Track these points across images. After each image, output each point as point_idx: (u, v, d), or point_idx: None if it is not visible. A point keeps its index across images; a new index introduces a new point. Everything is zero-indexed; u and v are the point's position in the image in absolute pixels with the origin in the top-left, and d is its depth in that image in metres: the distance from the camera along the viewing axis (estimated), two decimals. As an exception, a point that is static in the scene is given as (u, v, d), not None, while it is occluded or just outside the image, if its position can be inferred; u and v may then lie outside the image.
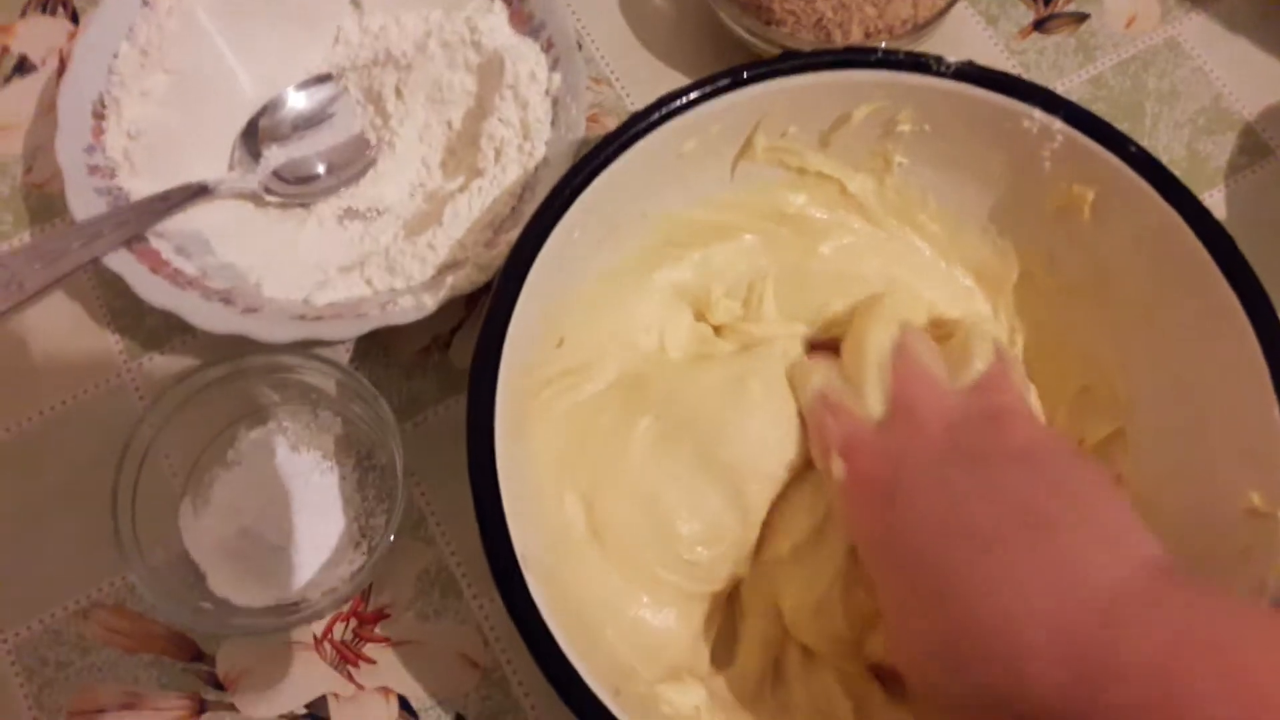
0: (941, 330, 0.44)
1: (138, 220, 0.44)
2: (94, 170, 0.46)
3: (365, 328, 0.43)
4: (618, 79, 0.55)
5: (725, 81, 0.42)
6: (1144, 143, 0.41)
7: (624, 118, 0.52)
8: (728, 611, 0.43)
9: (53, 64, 0.54)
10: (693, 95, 0.42)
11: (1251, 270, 0.39)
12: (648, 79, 0.55)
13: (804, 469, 0.42)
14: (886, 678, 0.42)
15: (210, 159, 0.49)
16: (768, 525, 0.42)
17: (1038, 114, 0.42)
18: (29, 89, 0.54)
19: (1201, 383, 0.40)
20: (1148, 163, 0.41)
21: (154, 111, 0.48)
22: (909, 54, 0.42)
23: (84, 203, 0.45)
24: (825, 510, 0.41)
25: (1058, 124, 0.42)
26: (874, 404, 0.40)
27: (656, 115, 0.41)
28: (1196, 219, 0.40)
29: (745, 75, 0.42)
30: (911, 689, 0.37)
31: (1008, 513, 0.33)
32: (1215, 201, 0.53)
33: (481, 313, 0.48)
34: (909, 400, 0.39)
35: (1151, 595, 0.31)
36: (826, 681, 0.41)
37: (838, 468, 0.39)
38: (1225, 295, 0.39)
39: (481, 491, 0.36)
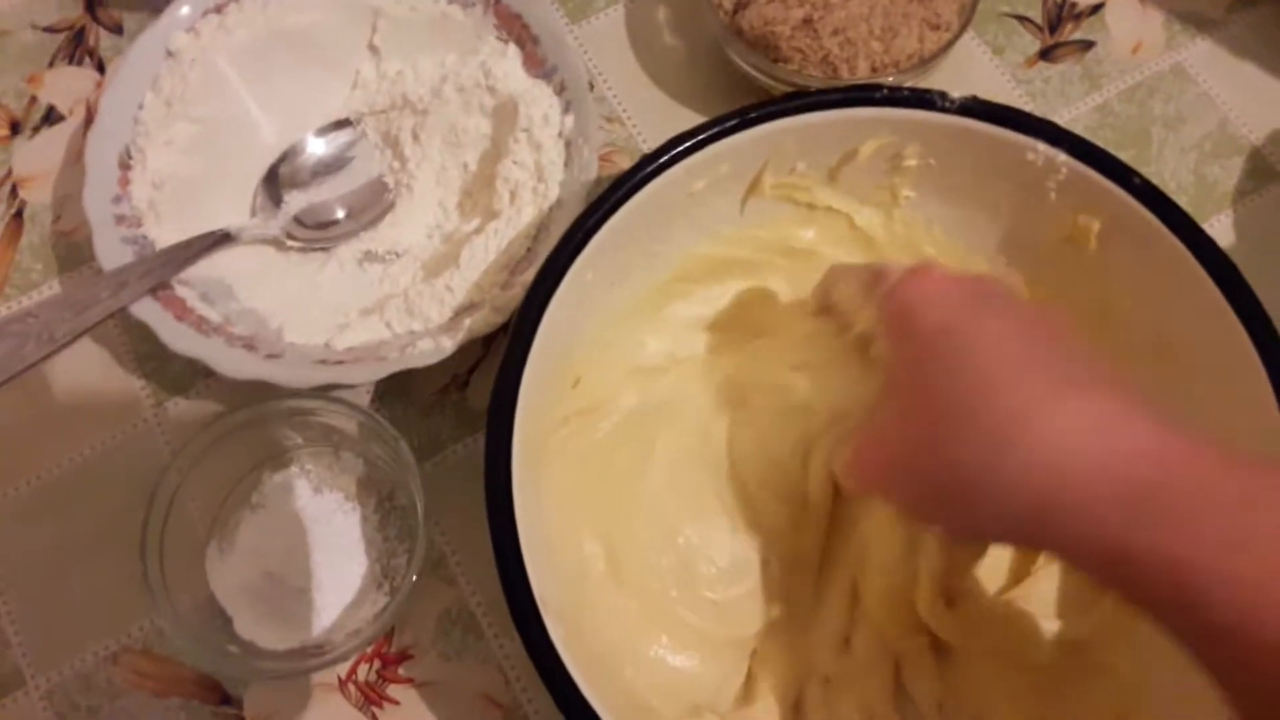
0: None
1: (163, 269, 0.46)
2: (120, 220, 0.47)
3: (385, 371, 0.44)
4: (629, 117, 0.56)
5: (733, 122, 0.43)
6: (1151, 169, 0.41)
7: (636, 155, 0.54)
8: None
9: (80, 114, 0.56)
10: (701, 137, 0.42)
11: (1258, 301, 0.39)
12: (659, 116, 0.56)
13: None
14: (906, 702, 0.42)
15: (232, 205, 0.51)
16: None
17: (1041, 147, 0.42)
18: (57, 138, 0.55)
19: (1208, 413, 0.40)
20: (1152, 194, 0.41)
21: (178, 160, 0.49)
22: (913, 91, 0.43)
23: (111, 252, 0.46)
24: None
25: (1062, 156, 0.42)
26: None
27: (666, 157, 0.42)
28: (1202, 250, 0.40)
29: (753, 115, 0.43)
30: (900, 503, 0.38)
31: (1070, 350, 0.34)
32: (1223, 226, 0.53)
33: (498, 353, 0.49)
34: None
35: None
36: (846, 712, 0.41)
37: (899, 267, 0.38)
38: (1232, 326, 0.39)
39: (500, 536, 0.37)
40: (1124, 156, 0.42)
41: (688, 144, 0.42)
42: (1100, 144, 0.42)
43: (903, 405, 0.36)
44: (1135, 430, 0.30)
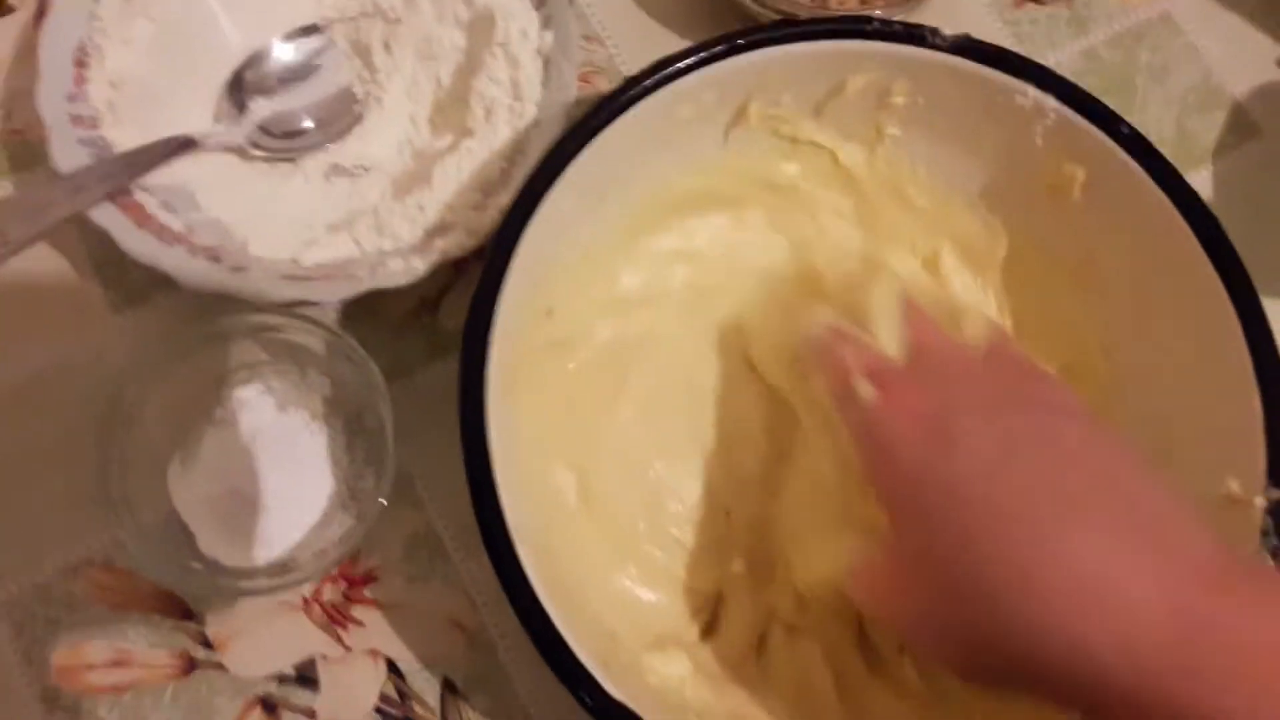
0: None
1: (123, 173, 0.44)
2: (77, 120, 0.45)
3: (355, 290, 0.43)
4: (609, 37, 0.54)
5: (721, 48, 0.42)
6: (1134, 118, 0.41)
7: (616, 77, 0.53)
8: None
9: (30, 5, 0.53)
10: (689, 61, 0.41)
11: (1237, 256, 0.39)
12: (640, 37, 0.54)
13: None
14: (869, 648, 0.43)
15: (195, 110, 0.48)
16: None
17: (1032, 91, 0.42)
18: (6, 31, 0.52)
19: (1184, 367, 0.41)
20: (1139, 144, 0.41)
21: (137, 60, 0.47)
22: (905, 25, 0.42)
23: (67, 154, 0.44)
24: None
25: (1051, 102, 0.42)
26: (891, 346, 0.37)
27: (651, 80, 0.41)
28: (1185, 202, 0.40)
29: (741, 42, 0.42)
30: (911, 642, 0.36)
31: (1080, 469, 0.31)
32: (1203, 180, 0.53)
33: (469, 276, 0.48)
34: (931, 346, 0.37)
35: (1245, 568, 0.29)
36: (809, 652, 0.42)
37: (865, 390, 0.35)
38: (1211, 281, 0.39)
39: (474, 464, 0.37)
40: (1108, 104, 0.42)
41: (675, 68, 0.41)
42: (1085, 89, 0.42)
43: (900, 549, 0.34)
44: (1144, 583, 0.28)
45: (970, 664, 0.32)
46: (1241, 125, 0.54)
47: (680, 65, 0.41)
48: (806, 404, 0.42)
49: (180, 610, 0.45)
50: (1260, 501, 0.37)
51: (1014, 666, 0.30)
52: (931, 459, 0.32)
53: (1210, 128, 0.54)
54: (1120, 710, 0.28)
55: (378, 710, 0.44)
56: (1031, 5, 0.56)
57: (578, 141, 0.40)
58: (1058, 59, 0.55)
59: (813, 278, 0.45)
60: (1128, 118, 0.41)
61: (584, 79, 0.52)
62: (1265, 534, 0.36)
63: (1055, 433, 0.32)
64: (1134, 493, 0.31)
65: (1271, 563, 0.36)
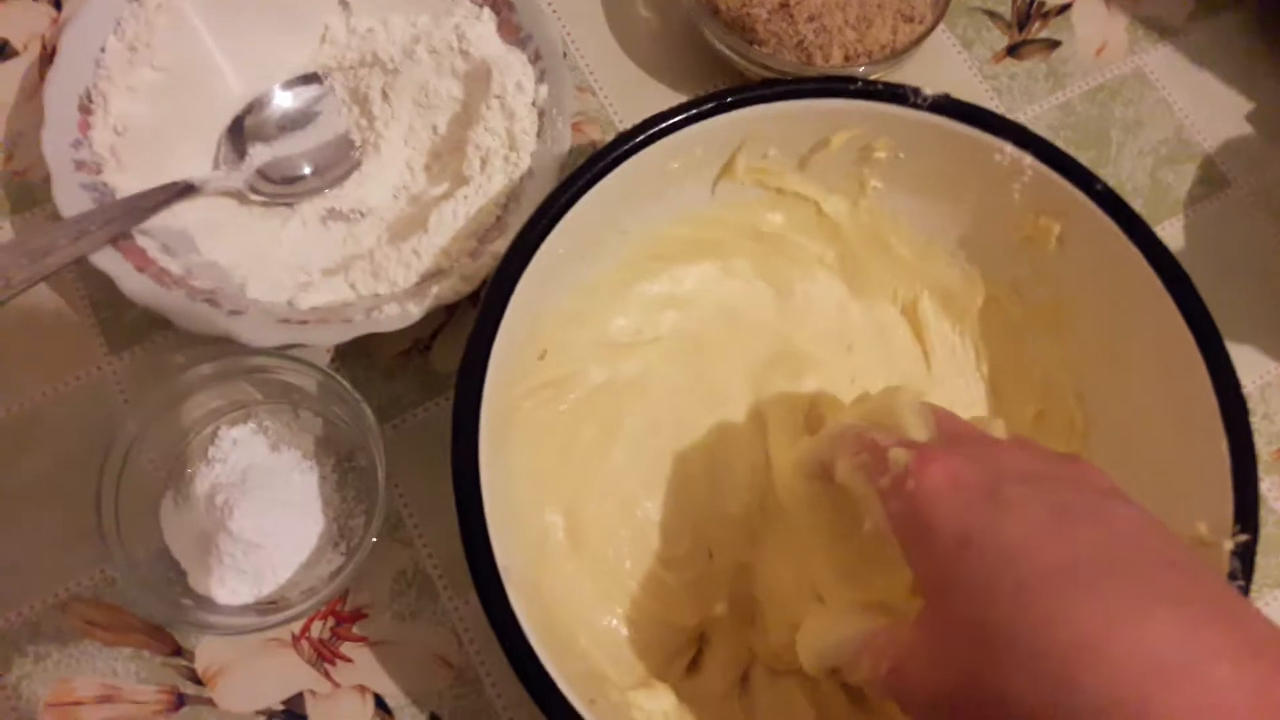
0: None
1: (124, 218, 0.45)
2: (80, 166, 0.46)
3: (350, 334, 0.44)
4: (601, 88, 0.56)
5: (711, 105, 0.43)
6: (1109, 170, 0.43)
7: (607, 126, 0.54)
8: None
9: (34, 50, 0.54)
10: (680, 118, 0.43)
11: (1205, 308, 0.41)
12: (631, 89, 0.56)
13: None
14: (850, 686, 0.43)
15: (195, 156, 0.50)
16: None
17: (1009, 148, 0.43)
18: (10, 74, 0.54)
19: (1154, 412, 0.42)
20: (1112, 199, 0.42)
21: (141, 107, 0.48)
22: (888, 85, 0.44)
23: (70, 198, 0.45)
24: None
25: (1028, 159, 0.43)
26: (921, 436, 0.36)
27: (643, 136, 0.42)
28: (1156, 255, 0.41)
29: (730, 100, 0.43)
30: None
31: (1139, 546, 0.30)
32: (1174, 230, 0.55)
33: (462, 318, 0.49)
34: (961, 430, 0.36)
35: None
36: (791, 689, 0.43)
37: (901, 455, 0.33)
38: (1180, 330, 0.40)
39: (465, 505, 0.37)
40: (1084, 156, 0.43)
41: (666, 124, 0.42)
42: (1061, 143, 0.44)
43: (938, 619, 0.31)
44: (1223, 664, 0.26)
45: None
46: (1212, 177, 0.56)
47: (671, 121, 0.42)
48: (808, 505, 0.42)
49: (170, 646, 0.45)
50: (1228, 544, 0.38)
51: None
52: (982, 524, 0.30)
53: (1182, 179, 0.56)
54: None
55: None
56: (1010, 61, 0.58)
57: (572, 193, 0.41)
58: (1035, 112, 0.57)
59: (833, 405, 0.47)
60: (1103, 169, 0.43)
61: (576, 127, 0.54)
62: (1233, 576, 0.38)
63: (1103, 508, 0.31)
64: (1194, 572, 0.29)
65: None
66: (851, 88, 0.44)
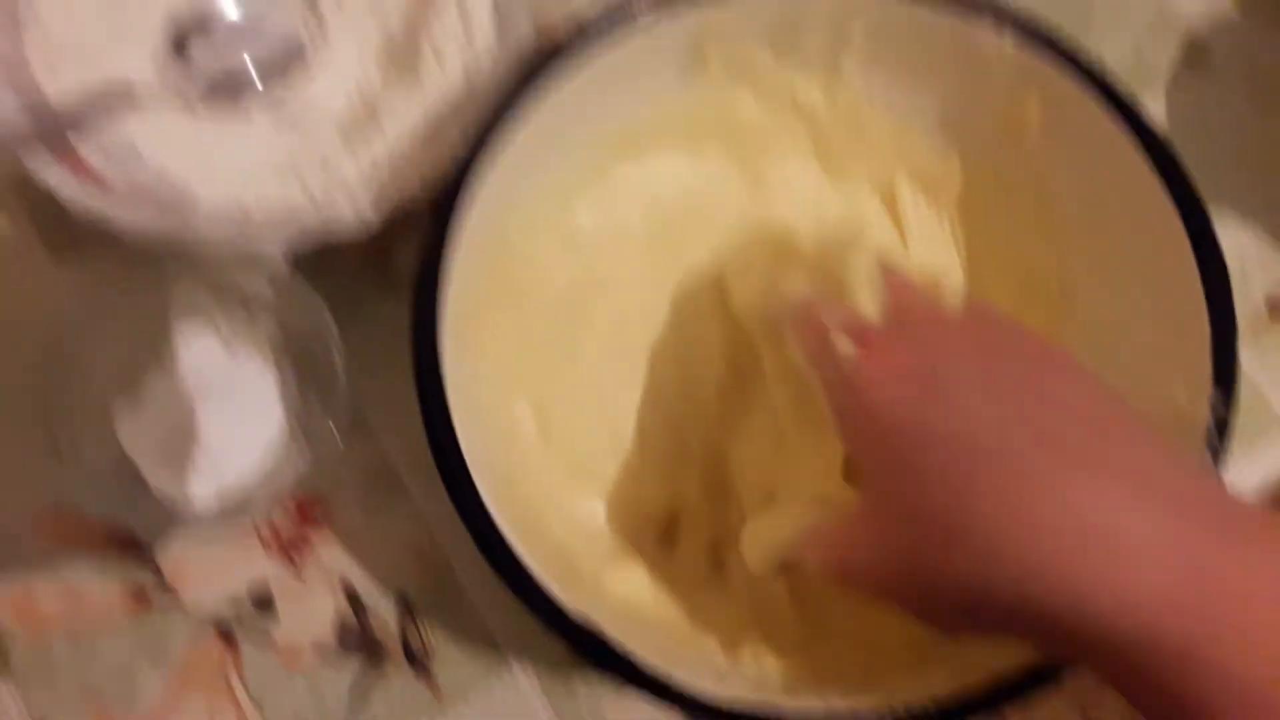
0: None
1: (62, 122, 0.42)
2: (14, 71, 0.43)
3: (305, 240, 0.42)
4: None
5: (683, -3, 0.41)
6: (1089, 42, 0.41)
7: (566, 12, 0.51)
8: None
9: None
10: (649, 13, 0.41)
11: (1191, 184, 0.40)
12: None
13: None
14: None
15: (135, 60, 0.47)
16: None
17: (990, 24, 0.42)
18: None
19: (1136, 286, 0.42)
20: (1095, 77, 0.41)
21: (74, 10, 0.45)
22: (862, -41, 0.42)
23: (3, 106, 0.42)
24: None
25: (1009, 35, 0.42)
26: (870, 311, 0.37)
27: (609, 25, 0.40)
28: (1141, 134, 0.40)
29: (702, -11, 0.41)
30: (886, 602, 0.34)
31: (1075, 416, 0.30)
32: (1156, 109, 0.53)
33: (422, 217, 0.47)
34: (912, 307, 0.37)
35: (1246, 517, 0.29)
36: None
37: (844, 345, 0.34)
38: (1164, 206, 0.40)
39: (429, 403, 0.37)
40: (1063, 27, 0.42)
41: (632, 19, 0.40)
42: (1040, 12, 0.42)
43: (877, 507, 0.33)
44: (1145, 529, 0.27)
45: (956, 616, 0.31)
46: (1195, 54, 0.54)
47: (638, 17, 0.40)
48: (775, 359, 0.42)
49: (132, 548, 0.45)
50: (1205, 411, 0.38)
51: (1004, 614, 0.29)
52: (918, 409, 0.31)
53: (1164, 55, 0.54)
54: (1111, 657, 0.28)
55: (337, 634, 0.44)
56: (988, -68, 0.55)
57: (532, 86, 0.39)
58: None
59: (789, 240, 0.45)
60: (1083, 40, 0.41)
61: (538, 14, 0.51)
62: (1209, 441, 0.37)
63: (1046, 383, 0.32)
64: (1130, 441, 0.30)
65: (1214, 467, 0.37)
66: (825, -33, 0.41)
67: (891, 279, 0.38)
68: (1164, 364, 0.40)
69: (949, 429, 0.30)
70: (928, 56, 0.44)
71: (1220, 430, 0.37)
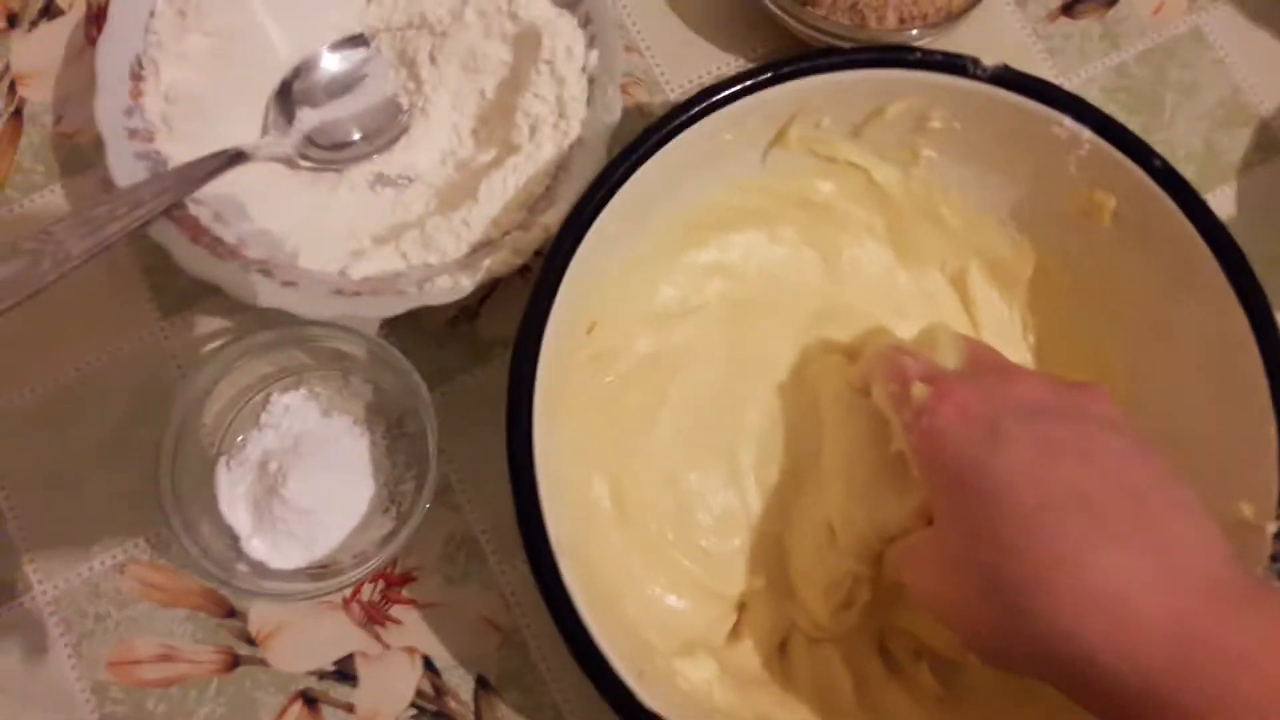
0: None
1: (178, 187, 0.45)
2: (134, 134, 0.46)
3: (402, 307, 0.44)
4: (648, 48, 0.55)
5: (767, 75, 0.43)
6: (1162, 135, 0.42)
7: (654, 88, 0.54)
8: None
9: (79, 9, 0.54)
10: (734, 89, 0.42)
11: (1262, 291, 0.40)
12: (679, 49, 0.55)
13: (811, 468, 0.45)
14: (887, 653, 0.44)
15: (245, 122, 0.49)
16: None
17: (1067, 121, 0.43)
18: (56, 34, 0.53)
19: (1202, 392, 0.42)
20: (1171, 177, 0.42)
21: (191, 74, 0.48)
22: (946, 56, 0.43)
23: (125, 167, 0.45)
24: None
25: (1086, 133, 0.43)
26: (950, 363, 0.40)
27: (698, 109, 0.42)
28: (1214, 236, 0.41)
29: (786, 70, 0.43)
30: (946, 625, 0.37)
31: (1112, 482, 0.33)
32: (1227, 197, 0.54)
33: (509, 286, 0.50)
34: (987, 360, 0.41)
35: (1249, 588, 0.31)
36: (829, 657, 0.43)
37: (920, 390, 0.37)
38: (1234, 312, 0.40)
39: (519, 477, 0.38)
40: (1137, 120, 0.43)
41: (721, 96, 0.42)
42: (1115, 106, 0.43)
43: (944, 539, 0.36)
44: (1149, 598, 0.30)
45: (996, 652, 0.35)
46: (1266, 142, 0.55)
47: (726, 93, 0.42)
48: (842, 430, 0.43)
49: (225, 608, 0.46)
50: (1272, 527, 0.38)
51: (1030, 660, 0.33)
52: (976, 455, 0.34)
53: (1237, 144, 0.55)
54: (1127, 712, 0.31)
55: (414, 705, 0.46)
56: (1065, 20, 0.56)
57: (626, 169, 0.41)
58: (1089, 74, 0.55)
59: (865, 323, 0.48)
60: (1157, 134, 0.43)
61: (623, 89, 0.53)
62: (1276, 558, 0.38)
63: (1094, 443, 0.34)
64: (1158, 509, 0.33)
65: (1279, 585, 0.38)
66: (909, 58, 0.43)
67: (973, 341, 0.42)
68: (1230, 471, 0.40)
69: (1003, 481, 0.33)
70: (1006, 148, 0.45)
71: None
